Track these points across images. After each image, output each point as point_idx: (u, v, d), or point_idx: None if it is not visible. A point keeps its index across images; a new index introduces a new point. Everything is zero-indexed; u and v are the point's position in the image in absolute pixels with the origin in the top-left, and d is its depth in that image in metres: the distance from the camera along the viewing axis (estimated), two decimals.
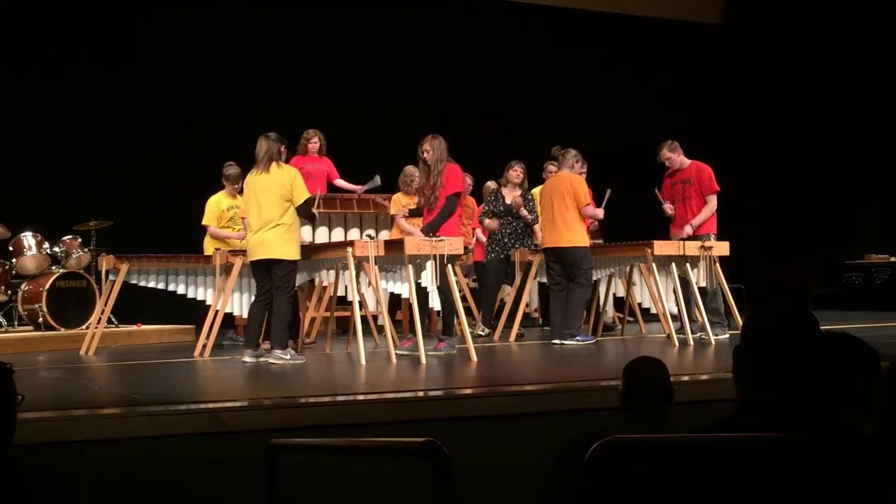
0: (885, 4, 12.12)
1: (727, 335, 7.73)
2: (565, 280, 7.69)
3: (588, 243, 7.76)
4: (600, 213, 7.85)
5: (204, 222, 8.39)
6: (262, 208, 6.65)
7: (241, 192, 8.39)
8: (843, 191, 12.79)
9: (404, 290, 6.98)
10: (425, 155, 7.07)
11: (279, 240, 6.61)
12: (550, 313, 7.93)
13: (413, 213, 7.52)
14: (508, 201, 8.60)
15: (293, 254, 6.67)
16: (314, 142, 8.93)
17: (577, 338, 7.51)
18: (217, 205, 8.39)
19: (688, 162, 8.09)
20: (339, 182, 8.99)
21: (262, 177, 6.69)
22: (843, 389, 2.33)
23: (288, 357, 6.56)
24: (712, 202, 7.95)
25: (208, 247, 8.30)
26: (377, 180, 8.73)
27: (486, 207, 8.71)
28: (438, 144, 7.03)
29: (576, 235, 7.63)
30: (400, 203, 7.97)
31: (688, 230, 7.91)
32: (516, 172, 8.65)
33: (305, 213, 6.78)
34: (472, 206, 9.05)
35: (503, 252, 8.58)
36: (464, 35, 11.53)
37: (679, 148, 8.11)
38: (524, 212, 8.59)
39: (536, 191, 8.87)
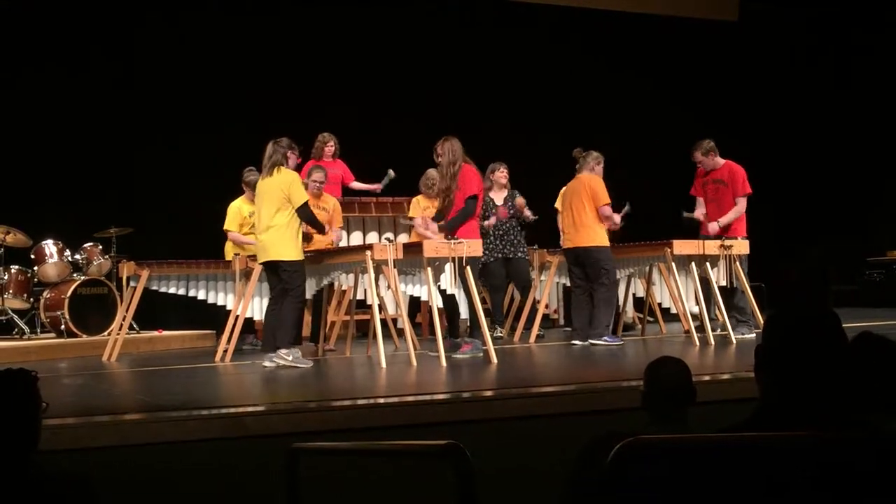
0: None
1: (753, 334, 7.68)
2: (586, 281, 7.66)
3: (608, 243, 7.68)
4: (617, 218, 7.73)
5: (225, 227, 8.40)
6: (264, 212, 6.71)
7: None
8: (863, 187, 12.70)
9: (423, 292, 6.97)
10: (439, 158, 7.07)
11: (275, 241, 6.64)
12: (572, 314, 7.91)
13: (435, 218, 7.50)
14: (499, 203, 8.58)
15: (291, 254, 6.65)
16: (330, 145, 8.97)
17: (605, 338, 7.45)
18: (239, 211, 8.41)
19: (722, 162, 8.04)
20: (355, 184, 9.03)
21: (265, 181, 6.74)
22: (871, 389, 2.31)
23: (290, 358, 6.46)
24: (741, 204, 7.90)
25: (229, 252, 8.32)
26: (391, 173, 8.78)
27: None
28: (451, 147, 7.00)
29: (595, 235, 7.58)
30: (420, 206, 7.94)
31: (713, 227, 7.87)
32: (503, 174, 8.64)
33: (306, 217, 6.76)
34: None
35: (500, 254, 8.57)
36: (475, 37, 11.52)
37: (714, 149, 8.02)
38: (528, 212, 8.59)
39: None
